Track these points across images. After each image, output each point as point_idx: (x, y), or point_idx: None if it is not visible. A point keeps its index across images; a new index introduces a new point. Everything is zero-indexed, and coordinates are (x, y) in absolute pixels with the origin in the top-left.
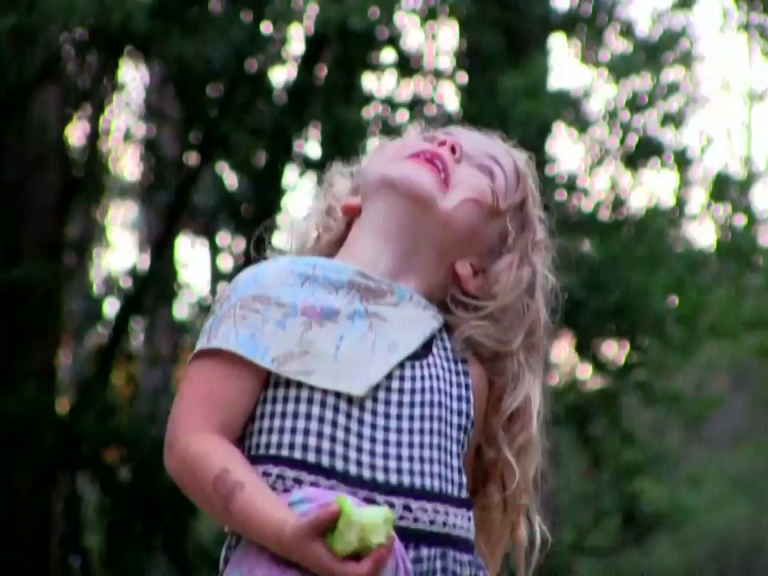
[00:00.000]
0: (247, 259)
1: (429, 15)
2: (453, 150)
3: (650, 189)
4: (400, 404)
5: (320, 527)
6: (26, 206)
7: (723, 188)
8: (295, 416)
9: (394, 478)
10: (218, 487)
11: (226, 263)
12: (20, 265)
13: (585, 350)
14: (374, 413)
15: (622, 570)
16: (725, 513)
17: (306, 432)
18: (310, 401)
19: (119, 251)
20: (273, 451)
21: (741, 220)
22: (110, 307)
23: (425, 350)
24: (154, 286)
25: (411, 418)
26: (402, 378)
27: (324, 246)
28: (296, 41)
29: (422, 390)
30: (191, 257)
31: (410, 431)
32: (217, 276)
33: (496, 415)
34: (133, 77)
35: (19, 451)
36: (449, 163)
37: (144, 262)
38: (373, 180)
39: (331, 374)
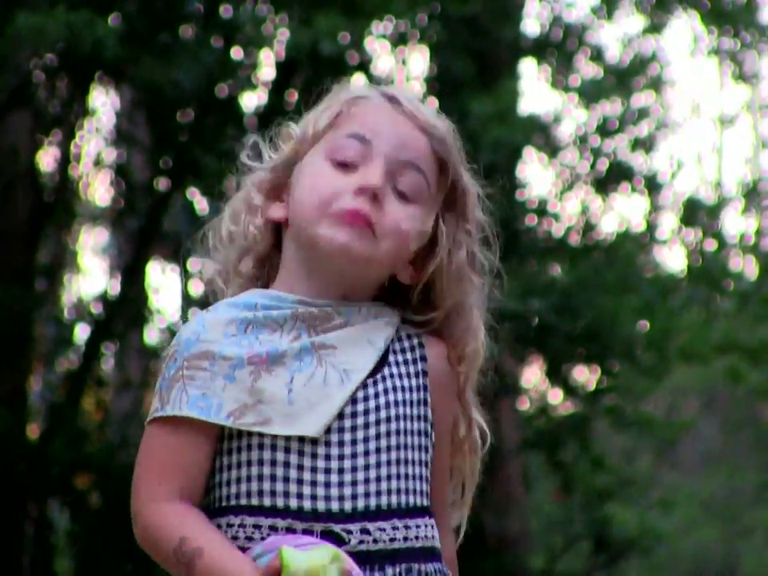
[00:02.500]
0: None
1: (399, 40)
2: (375, 196)
3: (621, 213)
4: (354, 428)
5: None
6: None
7: (694, 213)
8: (249, 464)
9: (348, 505)
10: (179, 557)
11: (196, 288)
12: None
13: (555, 374)
14: (328, 443)
15: None
16: (696, 537)
17: (260, 478)
18: (261, 446)
19: (90, 276)
20: (233, 502)
21: (711, 245)
22: (81, 332)
23: (379, 363)
24: (125, 311)
25: (366, 439)
26: (354, 402)
27: (254, 264)
28: (266, 66)
29: (377, 408)
30: (162, 282)
31: (366, 453)
32: (188, 301)
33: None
34: (103, 102)
35: None
36: (371, 218)
37: (115, 288)
38: (304, 230)
39: (287, 419)
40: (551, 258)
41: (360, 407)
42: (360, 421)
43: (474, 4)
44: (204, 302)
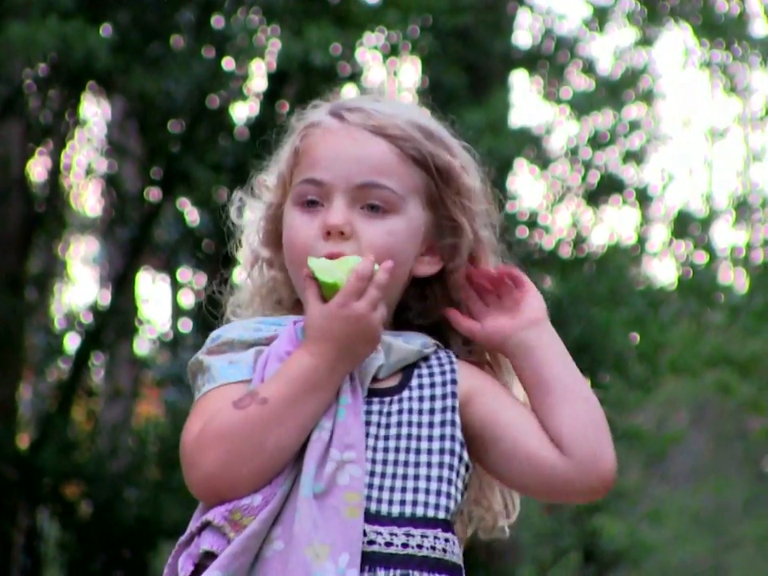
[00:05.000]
0: (208, 295)
1: (391, 52)
2: (341, 233)
3: (612, 226)
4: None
5: (313, 294)
6: None
7: (684, 225)
8: None
9: None
10: (242, 407)
11: (186, 299)
12: None
13: None
14: None
15: None
16: (685, 549)
17: None
18: None
19: (80, 286)
20: None
21: (702, 257)
22: (71, 342)
23: (400, 386)
24: (115, 321)
25: (374, 450)
26: (368, 414)
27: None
28: (258, 77)
29: (387, 426)
30: (152, 292)
31: (373, 461)
32: (177, 311)
33: None
34: (95, 112)
35: None
36: (346, 253)
37: (105, 298)
38: (294, 282)
39: None
40: (542, 270)
41: (374, 419)
42: (372, 431)
43: (466, 16)
44: (194, 313)
